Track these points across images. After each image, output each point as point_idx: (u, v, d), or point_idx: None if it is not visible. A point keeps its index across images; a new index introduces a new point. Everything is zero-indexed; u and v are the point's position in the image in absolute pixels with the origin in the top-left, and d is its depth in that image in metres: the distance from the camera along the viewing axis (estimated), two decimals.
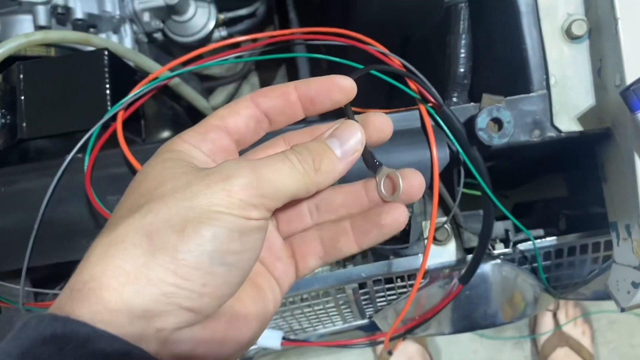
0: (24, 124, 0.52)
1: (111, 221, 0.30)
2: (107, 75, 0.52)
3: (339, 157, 0.32)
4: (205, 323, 0.29)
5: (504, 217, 0.58)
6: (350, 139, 0.33)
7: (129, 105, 0.50)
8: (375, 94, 0.85)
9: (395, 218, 0.34)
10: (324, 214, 0.36)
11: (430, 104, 0.49)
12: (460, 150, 0.48)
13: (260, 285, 0.34)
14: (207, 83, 1.16)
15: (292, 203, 0.35)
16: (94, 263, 0.27)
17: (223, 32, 0.96)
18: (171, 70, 0.55)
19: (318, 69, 0.98)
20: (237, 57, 0.52)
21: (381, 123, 0.35)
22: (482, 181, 0.48)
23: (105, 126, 0.50)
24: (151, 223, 0.28)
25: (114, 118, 0.50)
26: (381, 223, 0.34)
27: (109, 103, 0.52)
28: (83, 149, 0.50)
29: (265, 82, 1.24)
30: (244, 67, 1.18)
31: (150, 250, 0.27)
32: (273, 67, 1.20)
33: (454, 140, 0.48)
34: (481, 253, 0.51)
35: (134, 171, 0.48)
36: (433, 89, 0.48)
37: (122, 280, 0.26)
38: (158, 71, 0.50)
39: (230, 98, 1.22)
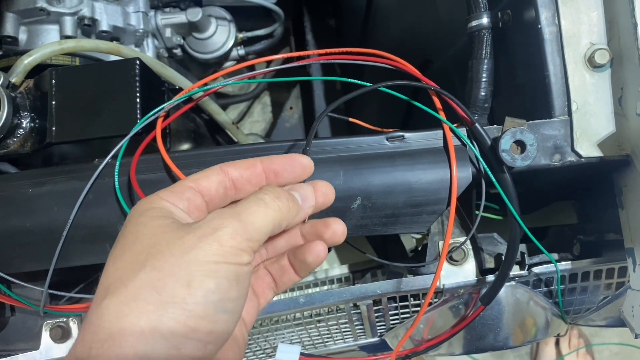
0: (54, 128, 0.53)
1: (113, 279, 0.31)
2: (138, 83, 0.53)
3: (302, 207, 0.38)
4: None
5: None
6: (309, 197, 0.39)
7: (166, 116, 0.51)
8: (391, 114, 0.87)
9: (316, 254, 0.39)
10: (270, 253, 0.42)
11: (456, 125, 0.50)
12: (487, 170, 0.49)
13: (235, 333, 0.37)
14: (220, 100, 1.18)
15: None
16: (110, 322, 0.29)
17: (241, 50, 0.98)
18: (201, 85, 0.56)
19: (332, 89, 1.00)
20: (273, 76, 0.53)
21: (325, 188, 0.40)
22: (511, 204, 0.49)
23: (135, 133, 0.51)
24: (158, 279, 0.30)
25: (144, 127, 0.51)
26: (307, 262, 0.39)
27: (139, 111, 0.53)
28: (105, 154, 0.51)
29: (277, 102, 1.25)
30: (257, 86, 1.20)
31: (161, 304, 0.29)
32: (286, 88, 1.22)
33: (482, 160, 0.49)
34: (505, 274, 0.51)
35: (172, 177, 0.49)
36: (464, 107, 0.49)
37: (137, 336, 0.28)
38: (194, 85, 0.51)
39: (242, 116, 1.24)
